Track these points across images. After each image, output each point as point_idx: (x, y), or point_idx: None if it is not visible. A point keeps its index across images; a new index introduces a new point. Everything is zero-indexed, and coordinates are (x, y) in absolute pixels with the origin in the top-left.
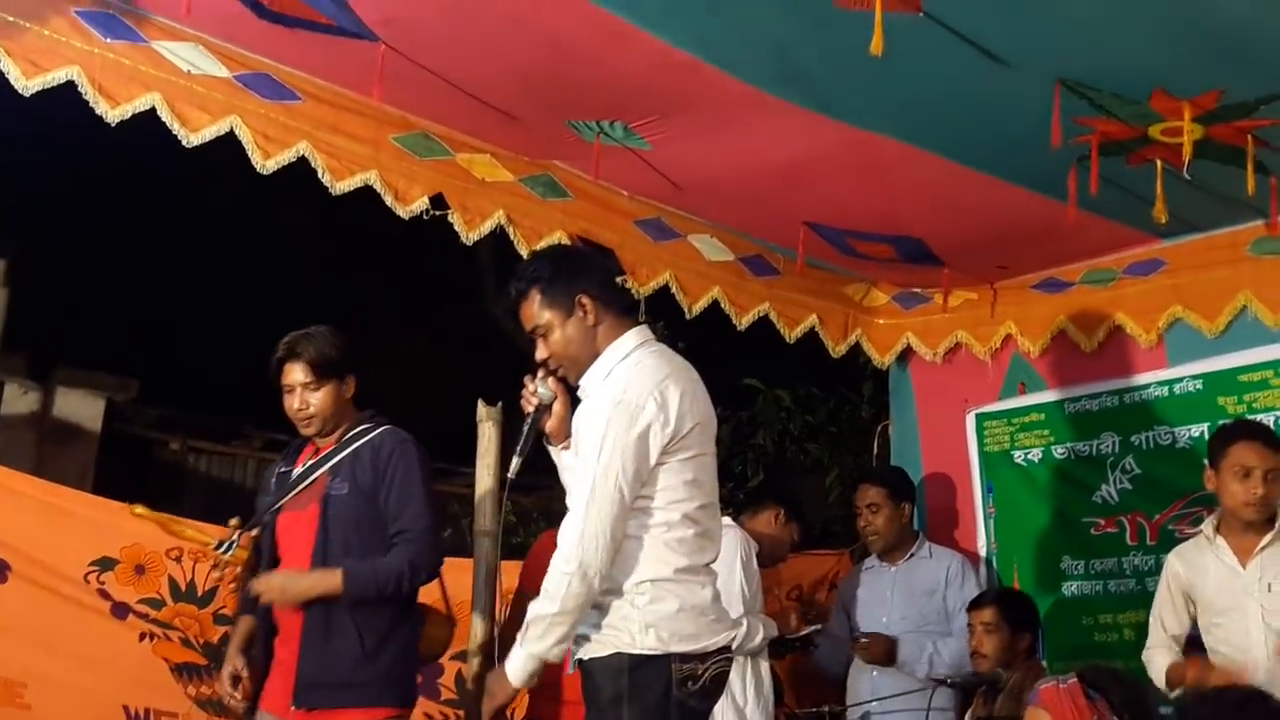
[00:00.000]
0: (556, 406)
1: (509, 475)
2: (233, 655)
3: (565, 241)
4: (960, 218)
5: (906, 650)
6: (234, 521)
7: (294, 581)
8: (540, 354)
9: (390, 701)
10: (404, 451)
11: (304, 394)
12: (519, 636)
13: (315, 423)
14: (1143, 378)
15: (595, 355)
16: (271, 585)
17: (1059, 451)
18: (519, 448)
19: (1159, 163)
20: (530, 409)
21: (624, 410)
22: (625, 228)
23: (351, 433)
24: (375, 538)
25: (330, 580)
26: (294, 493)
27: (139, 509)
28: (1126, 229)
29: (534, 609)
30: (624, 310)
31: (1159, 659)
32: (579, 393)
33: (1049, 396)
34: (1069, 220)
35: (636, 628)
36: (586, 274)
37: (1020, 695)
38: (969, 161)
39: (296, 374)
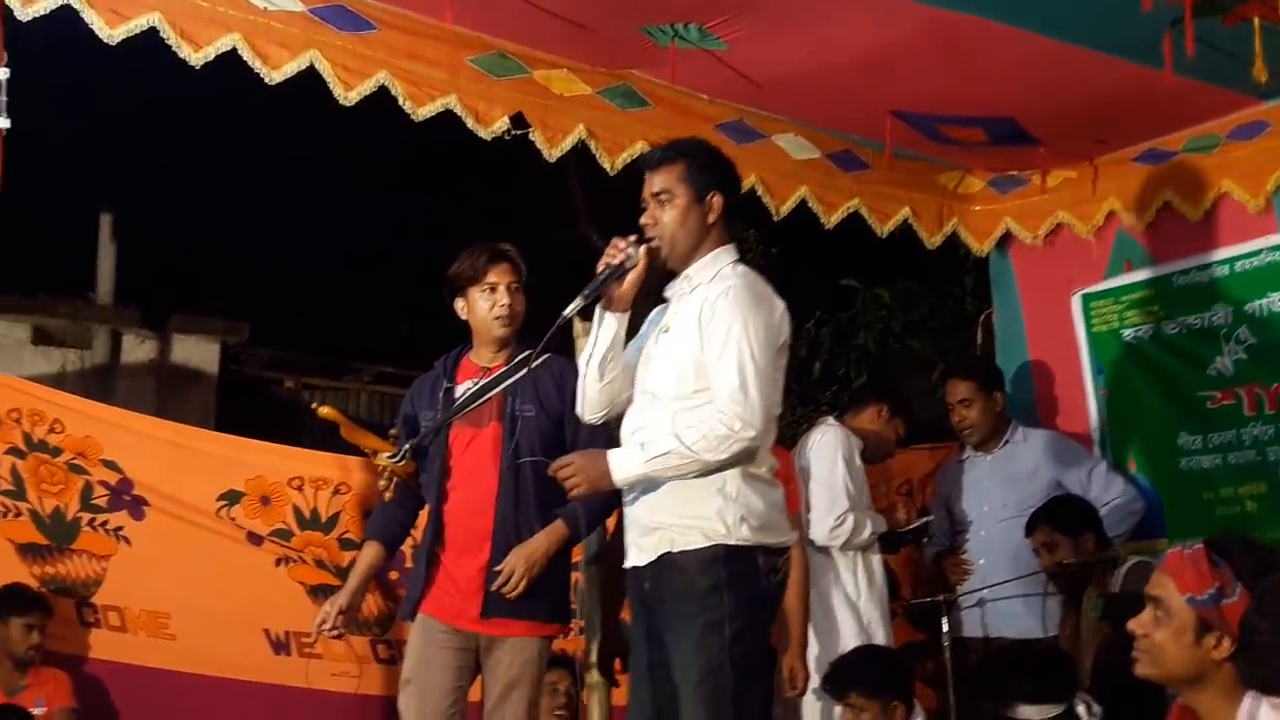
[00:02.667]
0: (633, 274)
1: (565, 314)
2: (349, 588)
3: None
4: (1053, 93)
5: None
6: (393, 431)
7: (532, 552)
8: (646, 219)
9: (558, 619)
10: None
11: (513, 295)
12: (639, 451)
13: (512, 324)
14: (1253, 244)
15: (694, 250)
16: (516, 568)
17: (1170, 327)
18: (586, 291)
19: (1256, 20)
20: (613, 263)
21: (760, 306)
22: (707, 132)
23: (521, 355)
24: (552, 459)
25: (559, 533)
26: (468, 409)
27: (324, 409)
28: (1227, 92)
29: (682, 444)
30: (731, 231)
31: None
32: (675, 282)
33: (1157, 271)
34: (1166, 86)
35: (731, 518)
36: (729, 181)
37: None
38: (1058, 34)
39: (507, 274)
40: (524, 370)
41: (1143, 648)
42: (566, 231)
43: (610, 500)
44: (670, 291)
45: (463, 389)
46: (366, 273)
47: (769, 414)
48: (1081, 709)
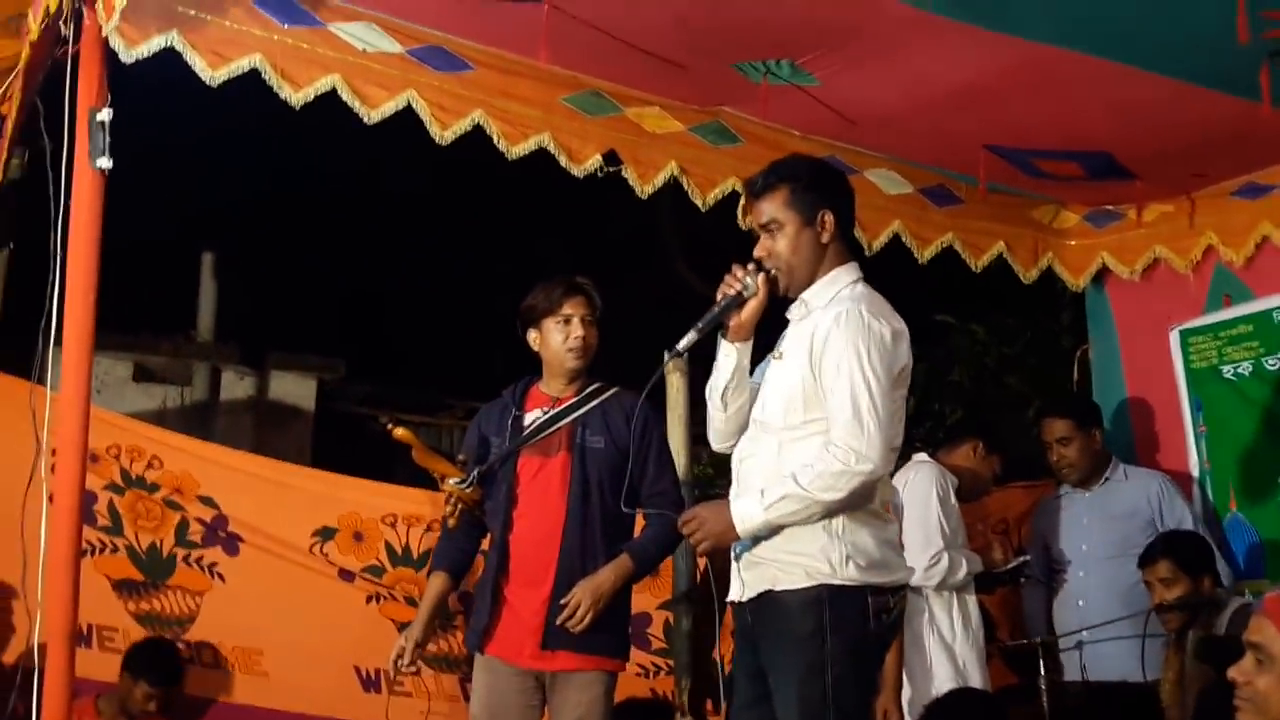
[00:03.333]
0: (753, 303)
1: (679, 348)
2: (420, 621)
3: (739, 188)
4: (1149, 127)
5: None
6: (462, 457)
7: (599, 585)
8: (760, 250)
9: (621, 654)
10: (656, 418)
11: (587, 328)
12: (759, 498)
13: (585, 357)
14: None
15: (813, 274)
16: (583, 602)
17: (1270, 363)
18: (700, 324)
19: None
20: (730, 293)
21: (876, 337)
22: None
23: (591, 388)
24: (619, 493)
25: (625, 567)
26: (537, 438)
27: (399, 431)
28: None
29: (800, 487)
30: (851, 244)
31: None
32: (794, 305)
33: (1256, 306)
34: (1264, 119)
35: (837, 557)
36: (838, 194)
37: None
38: (1153, 67)
39: (582, 307)
40: (596, 402)
41: (1244, 695)
42: (661, 267)
43: (676, 536)
44: (790, 314)
45: (531, 418)
46: (461, 309)
47: (887, 445)
48: None
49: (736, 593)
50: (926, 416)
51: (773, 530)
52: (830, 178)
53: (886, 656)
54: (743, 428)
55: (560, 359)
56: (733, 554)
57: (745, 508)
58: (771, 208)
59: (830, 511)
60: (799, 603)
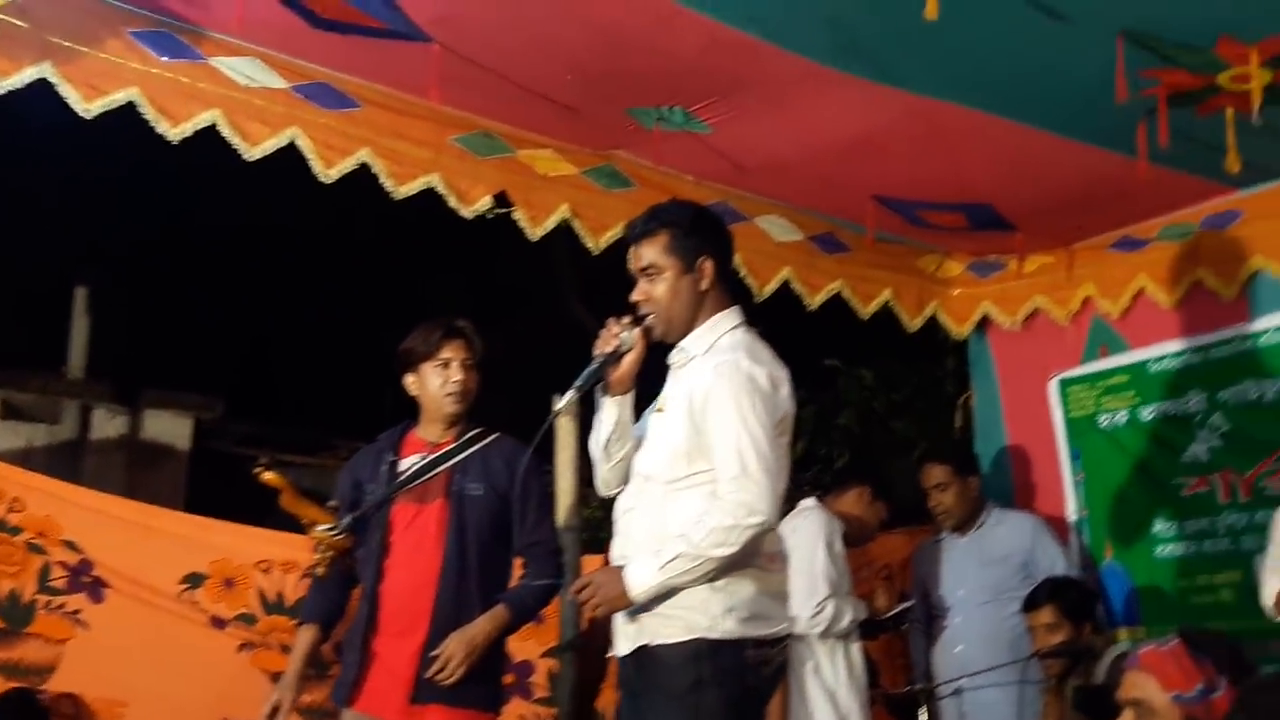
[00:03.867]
0: (631, 356)
1: (558, 408)
2: (291, 675)
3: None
4: (1030, 180)
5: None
6: (333, 503)
7: (473, 637)
8: (638, 295)
9: (494, 707)
10: (537, 465)
11: (466, 372)
12: (652, 560)
13: (464, 402)
14: (1226, 332)
15: (692, 320)
16: (456, 654)
17: (1146, 413)
18: (578, 382)
19: (1229, 111)
20: (606, 349)
21: (756, 387)
22: None
23: (470, 433)
24: (500, 542)
25: (501, 618)
26: (413, 485)
27: (267, 474)
28: (1201, 181)
29: (691, 545)
30: (731, 291)
31: (1269, 582)
32: (674, 352)
33: (1132, 357)
34: (1140, 175)
35: (717, 610)
36: (717, 240)
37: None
38: (1035, 122)
39: (461, 350)
40: (475, 448)
41: None
42: (554, 306)
43: (553, 585)
44: (670, 360)
45: (408, 463)
46: (347, 346)
47: (776, 495)
48: None
49: (618, 646)
50: (815, 460)
51: (666, 593)
52: (710, 224)
53: (771, 706)
54: (628, 475)
55: (438, 404)
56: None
57: (639, 572)
58: (651, 253)
59: (723, 567)
60: (677, 657)
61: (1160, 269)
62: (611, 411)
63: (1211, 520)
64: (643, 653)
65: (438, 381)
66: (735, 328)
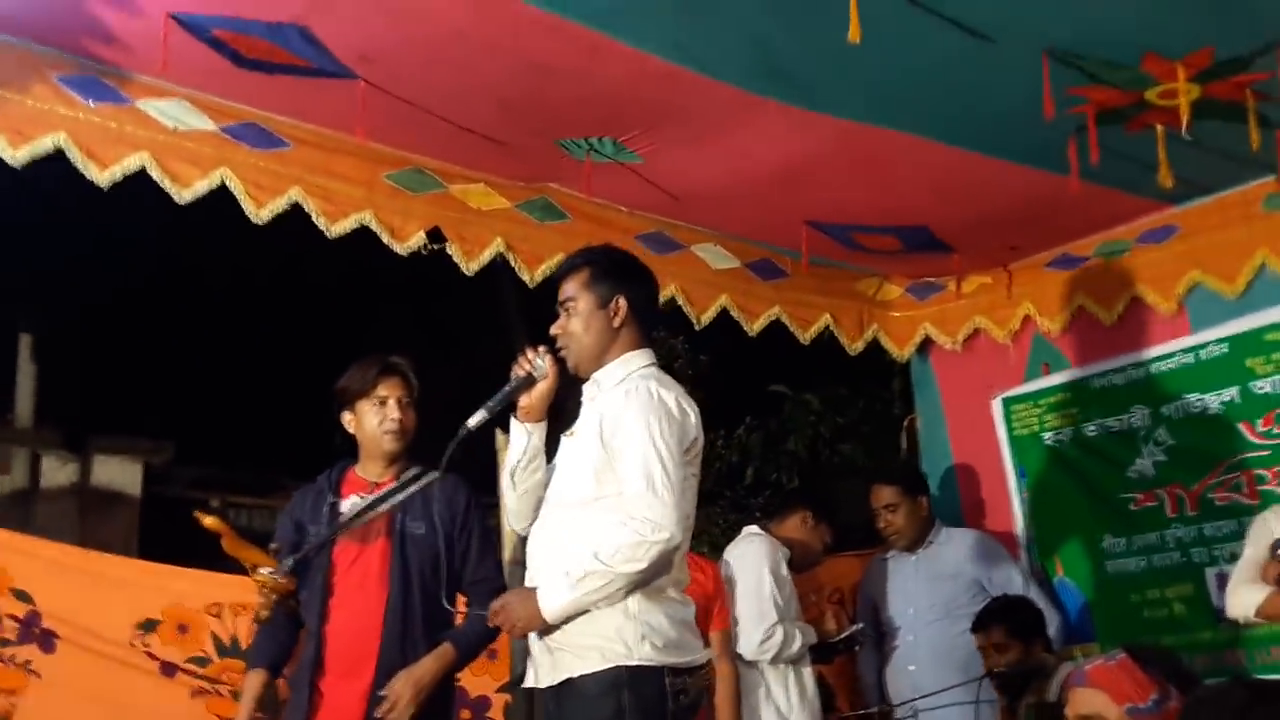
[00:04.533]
0: (543, 385)
1: (469, 425)
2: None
3: None
4: (964, 201)
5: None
6: (274, 545)
7: (420, 676)
8: (556, 328)
9: None
10: (478, 502)
11: (404, 409)
12: (562, 579)
13: (403, 440)
14: (1167, 346)
15: (602, 354)
16: (403, 694)
17: (1090, 429)
18: (489, 404)
19: (1159, 127)
20: (520, 374)
21: (665, 410)
22: (627, 243)
23: (409, 472)
24: (440, 580)
25: (448, 657)
26: (354, 524)
27: (208, 519)
28: (1135, 198)
29: (600, 563)
30: (644, 335)
31: (1248, 594)
32: (587, 385)
33: (1074, 375)
34: (1073, 193)
35: (632, 637)
36: (635, 284)
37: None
38: (965, 143)
39: (398, 388)
40: (416, 487)
41: None
42: (501, 341)
43: (485, 642)
44: (584, 396)
45: (349, 504)
46: (294, 388)
47: (683, 513)
48: None
49: (533, 679)
50: (765, 485)
51: (579, 612)
52: (629, 267)
53: None
54: (537, 508)
55: (376, 442)
56: (529, 640)
57: (550, 592)
58: (571, 287)
59: (633, 585)
60: (597, 686)
61: (1099, 286)
62: (520, 438)
63: (1160, 534)
64: (563, 686)
65: (375, 420)
66: (647, 366)
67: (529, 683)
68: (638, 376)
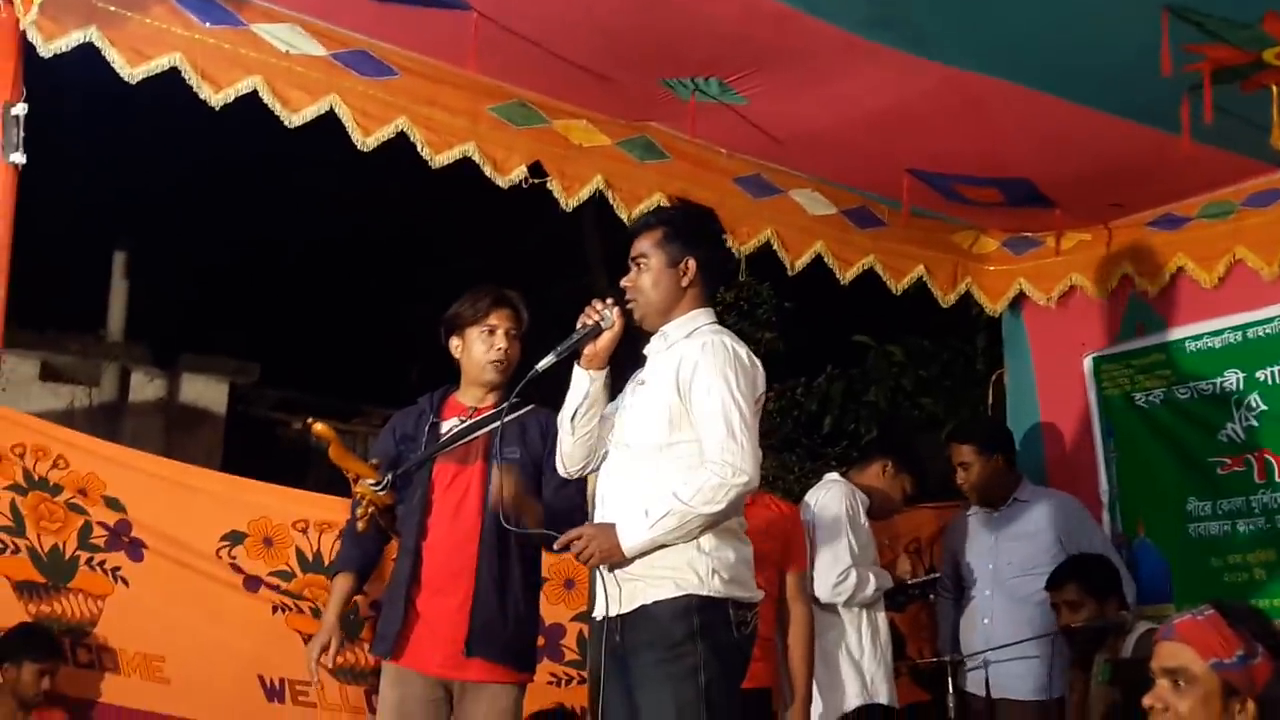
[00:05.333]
0: (609, 334)
1: (538, 368)
2: (328, 623)
3: (664, 203)
4: (1070, 156)
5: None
6: (375, 461)
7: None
8: (626, 281)
9: (530, 667)
10: None
11: (510, 341)
12: (642, 519)
13: (505, 370)
14: (1266, 311)
15: (669, 311)
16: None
17: (1181, 391)
18: (559, 348)
19: (1275, 88)
20: (588, 322)
21: (739, 363)
22: (724, 186)
23: (509, 401)
24: (534, 504)
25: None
26: (454, 445)
27: (319, 426)
28: (1243, 159)
29: (681, 502)
30: (710, 296)
31: None
32: (654, 339)
33: (1169, 336)
34: (1183, 152)
35: (704, 570)
36: (706, 247)
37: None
38: (1075, 97)
39: (507, 320)
40: (510, 415)
41: None
42: (580, 282)
43: None
44: (648, 349)
45: (448, 425)
46: (379, 317)
47: (757, 457)
48: None
49: (602, 610)
50: (842, 435)
51: (655, 548)
52: (705, 229)
53: (798, 669)
54: (590, 454)
55: (480, 369)
56: (598, 573)
57: (631, 529)
58: (644, 244)
59: (709, 524)
60: (669, 612)
61: (1200, 247)
62: (582, 383)
63: (1246, 499)
64: (636, 614)
65: (482, 348)
66: (712, 322)
67: (598, 614)
68: (707, 331)
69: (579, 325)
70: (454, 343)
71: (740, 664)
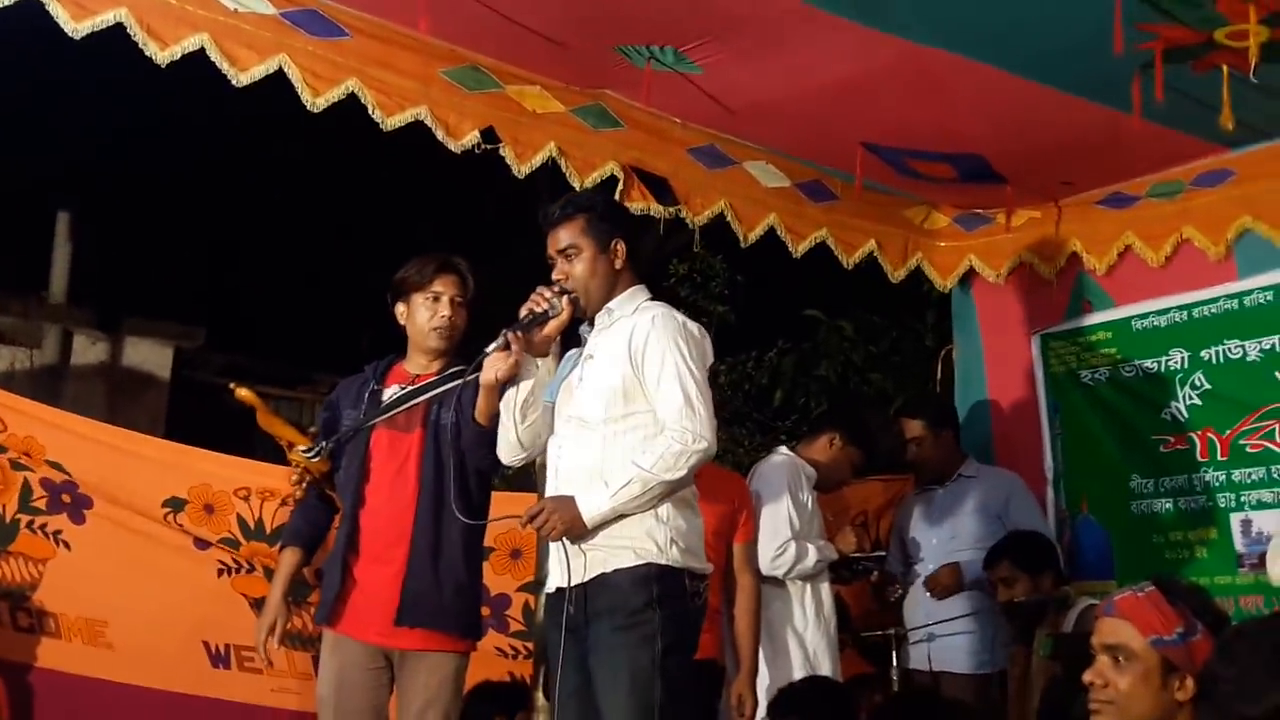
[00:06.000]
0: (555, 321)
1: (487, 351)
2: (274, 600)
3: (618, 172)
4: (1022, 132)
5: (971, 571)
6: (313, 429)
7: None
8: (558, 274)
9: (472, 635)
10: None
11: (455, 308)
12: (603, 489)
13: (450, 338)
14: (1212, 291)
15: (608, 296)
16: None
17: (1126, 370)
18: (507, 330)
19: (1225, 68)
20: (537, 310)
21: (690, 334)
22: (678, 156)
23: (452, 369)
24: (470, 470)
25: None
26: (393, 413)
27: (242, 391)
28: (1193, 139)
29: (642, 470)
30: (640, 274)
31: None
32: (600, 315)
33: (1116, 314)
34: (1134, 130)
35: (663, 539)
36: (629, 225)
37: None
38: (1029, 74)
39: (453, 287)
40: (455, 383)
41: (1104, 698)
42: (536, 250)
43: None
44: (591, 327)
45: (389, 393)
46: (329, 283)
47: (714, 427)
48: None
49: (558, 580)
50: (793, 410)
51: (616, 518)
52: (623, 212)
53: (744, 640)
54: (535, 441)
55: (424, 336)
56: (557, 545)
57: (591, 499)
58: (569, 235)
59: (669, 491)
60: (629, 580)
61: (1148, 226)
62: (530, 372)
63: (1189, 477)
64: (595, 582)
65: (426, 314)
66: (652, 298)
67: (556, 584)
68: (653, 305)
69: (524, 312)
70: (399, 309)
71: (693, 635)
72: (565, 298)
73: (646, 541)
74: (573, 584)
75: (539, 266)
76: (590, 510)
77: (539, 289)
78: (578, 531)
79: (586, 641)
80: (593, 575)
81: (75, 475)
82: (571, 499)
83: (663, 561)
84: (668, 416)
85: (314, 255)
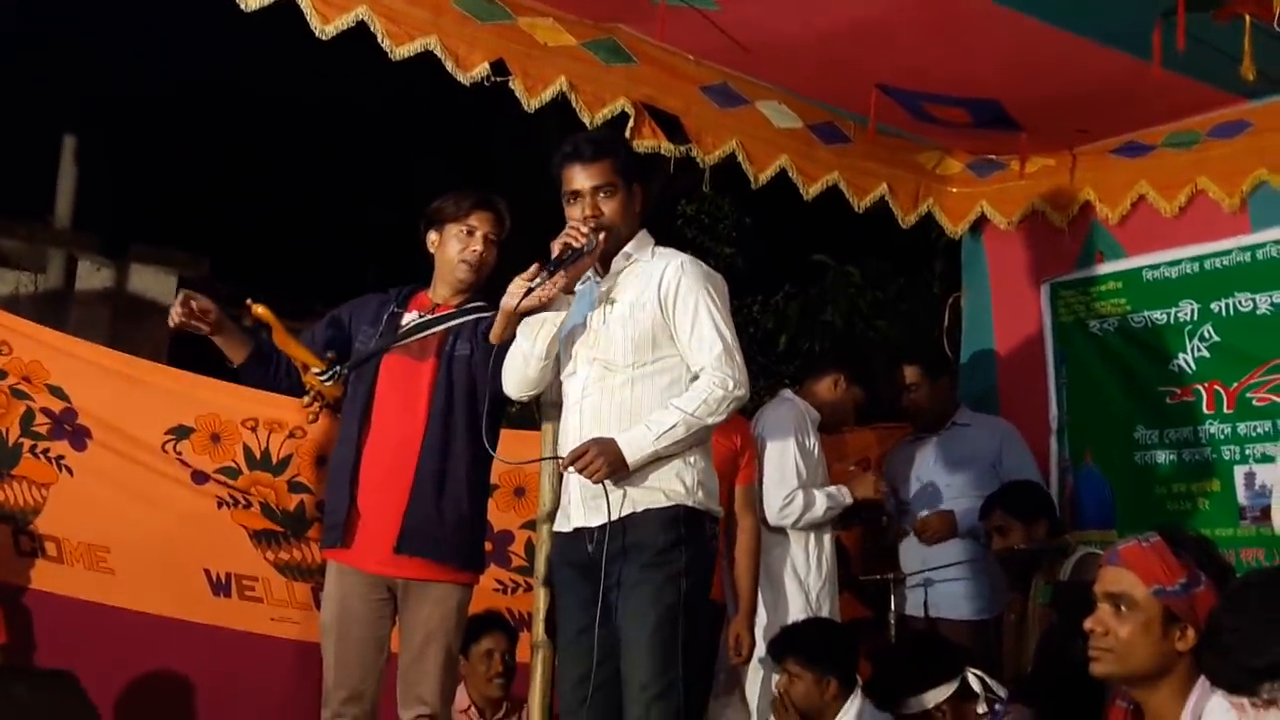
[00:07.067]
0: (588, 258)
1: (531, 287)
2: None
3: (629, 109)
4: (1040, 78)
5: (966, 519)
6: (331, 355)
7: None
8: (593, 209)
9: (476, 567)
10: None
11: (487, 245)
12: (645, 431)
13: (477, 273)
14: (1225, 243)
15: (629, 237)
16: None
17: (1136, 320)
18: (549, 267)
19: (1248, 18)
20: (575, 245)
21: (714, 278)
22: (690, 94)
23: (473, 303)
24: (481, 401)
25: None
26: (410, 339)
27: (259, 308)
28: (1212, 89)
29: (684, 413)
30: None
31: None
32: (618, 258)
33: (1127, 264)
34: (1153, 79)
35: (691, 481)
36: (646, 173)
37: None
38: (1049, 18)
39: (488, 223)
40: (473, 317)
41: (1103, 645)
42: (542, 189)
43: None
44: (604, 270)
45: (409, 319)
46: (335, 216)
47: (746, 372)
48: (974, 682)
49: (579, 520)
50: (797, 354)
51: (655, 459)
52: (641, 158)
53: (743, 580)
54: (543, 379)
55: (452, 267)
56: (568, 485)
57: (635, 440)
58: (604, 172)
59: (705, 434)
60: (658, 520)
61: (1163, 176)
62: (560, 308)
63: (1194, 429)
64: (625, 521)
65: (457, 246)
66: (659, 243)
67: (576, 523)
68: (666, 251)
69: (558, 247)
70: (431, 237)
71: (710, 576)
72: (601, 235)
73: (675, 483)
74: (596, 524)
75: (544, 206)
76: (634, 452)
77: (572, 224)
78: (621, 472)
79: (602, 581)
80: (622, 515)
81: (76, 403)
82: (613, 441)
83: (689, 503)
84: (707, 362)
85: (319, 189)
